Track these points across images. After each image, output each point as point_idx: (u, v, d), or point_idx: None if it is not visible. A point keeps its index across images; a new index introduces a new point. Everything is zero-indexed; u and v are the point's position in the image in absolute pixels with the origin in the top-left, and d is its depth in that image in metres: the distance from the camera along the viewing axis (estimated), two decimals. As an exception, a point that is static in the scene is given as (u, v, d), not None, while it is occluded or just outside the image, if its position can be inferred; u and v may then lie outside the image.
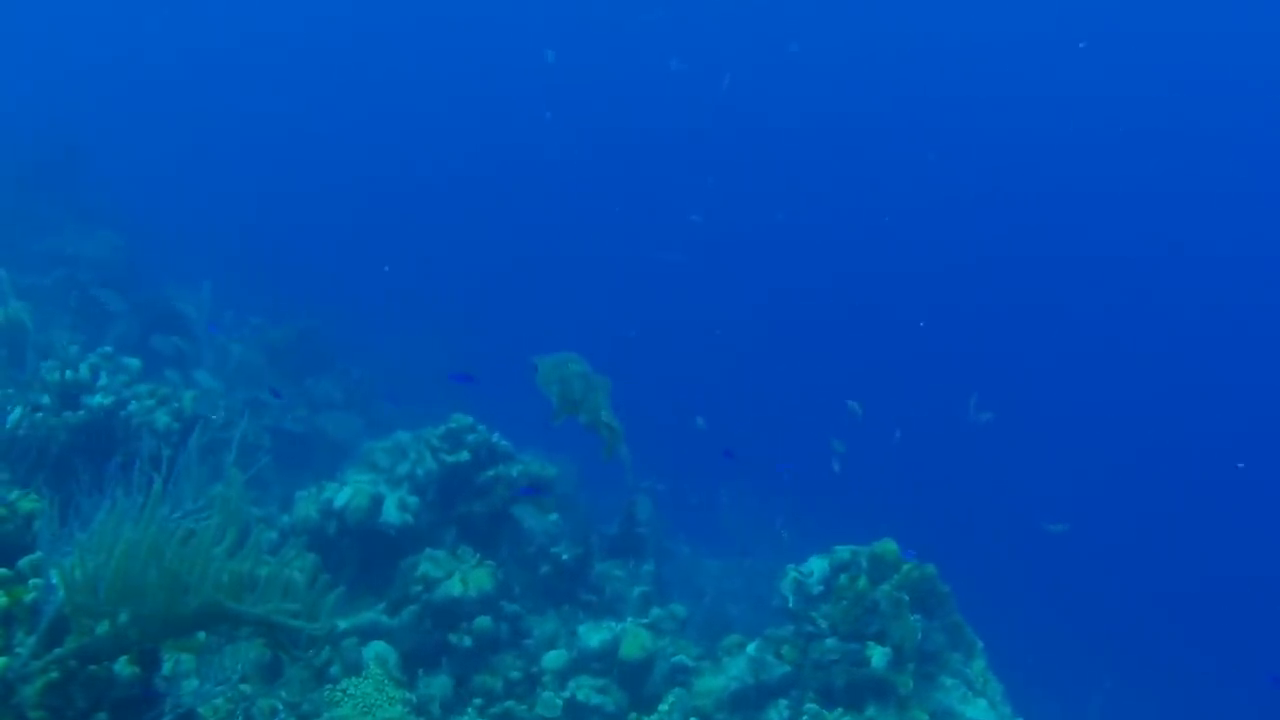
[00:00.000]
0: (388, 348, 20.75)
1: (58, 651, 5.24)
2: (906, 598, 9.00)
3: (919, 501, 19.24)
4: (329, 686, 8.21)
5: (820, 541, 16.64)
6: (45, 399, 9.85)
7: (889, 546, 9.41)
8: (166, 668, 6.74)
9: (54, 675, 5.21)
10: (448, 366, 19.48)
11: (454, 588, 9.24)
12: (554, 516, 10.88)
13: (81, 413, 9.80)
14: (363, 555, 9.91)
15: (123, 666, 5.56)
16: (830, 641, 9.09)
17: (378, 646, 8.85)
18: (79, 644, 5.26)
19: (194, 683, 6.69)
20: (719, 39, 40.13)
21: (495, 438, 10.98)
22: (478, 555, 9.73)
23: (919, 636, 8.91)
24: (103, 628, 5.27)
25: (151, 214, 20.75)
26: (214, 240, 22.86)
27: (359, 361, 18.38)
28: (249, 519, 5.75)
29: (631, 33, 40.78)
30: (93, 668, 5.36)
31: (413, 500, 10.21)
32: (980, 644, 9.50)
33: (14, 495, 6.99)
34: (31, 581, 5.55)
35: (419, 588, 9.32)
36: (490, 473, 10.71)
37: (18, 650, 5.25)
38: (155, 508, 5.43)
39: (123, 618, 5.26)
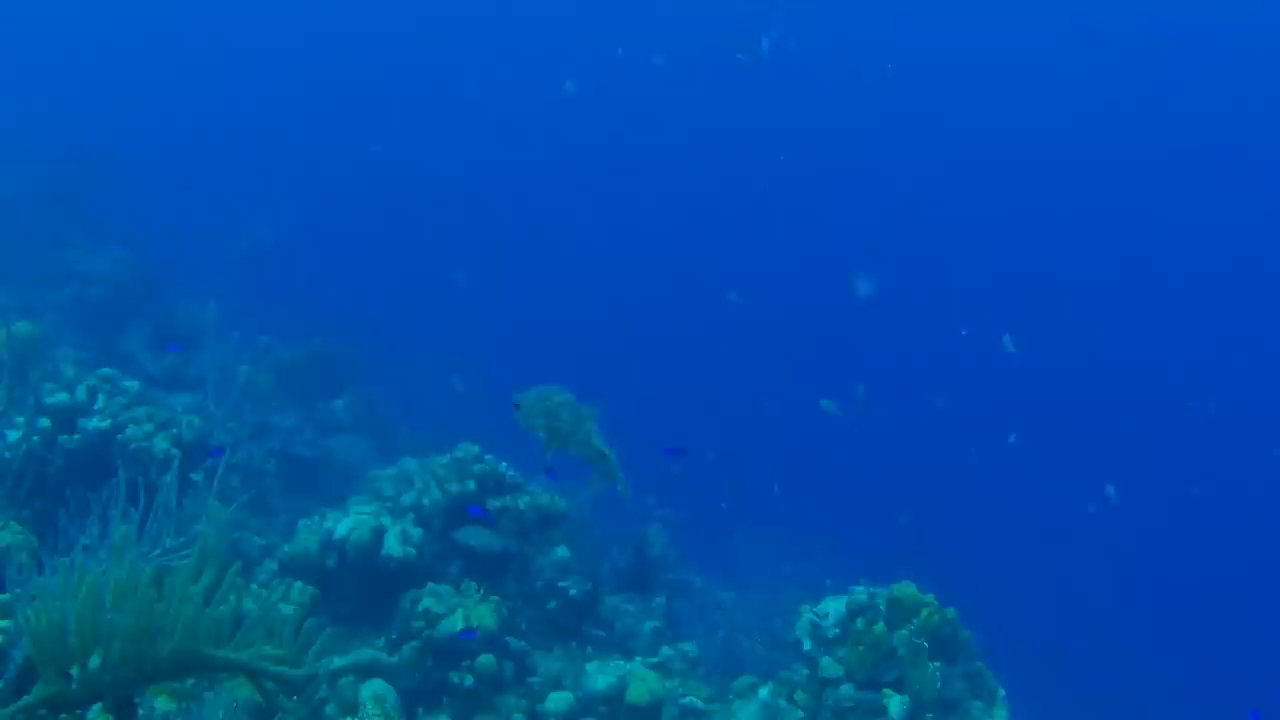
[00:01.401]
0: (402, 368, 20.46)
1: (24, 700, 4.94)
2: (926, 644, 8.67)
3: (934, 532, 18.86)
4: (323, 727, 7.93)
5: (832, 569, 16.44)
6: (44, 422, 9.60)
7: (907, 589, 9.08)
8: (150, 712, 6.48)
9: (21, 724, 4.92)
10: (462, 386, 19.31)
11: (456, 623, 8.93)
12: (563, 550, 10.57)
13: (78, 436, 9.55)
14: (364, 588, 9.61)
15: (95, 716, 5.26)
16: (846, 688, 8.77)
17: (376, 685, 8.52)
18: (47, 692, 4.96)
19: (178, 726, 6.43)
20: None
21: (503, 467, 10.69)
22: (482, 590, 9.41)
23: (938, 685, 8.58)
24: (73, 674, 4.97)
25: (163, 231, 20.54)
26: (225, 258, 22.67)
27: (371, 382, 18.11)
28: (228, 556, 5.45)
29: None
30: (64, 717, 5.07)
31: (415, 533, 9.91)
32: (1002, 691, 9.16)
33: (-4, 526, 6.74)
34: (2, 623, 5.27)
35: (420, 623, 9.02)
36: (497, 504, 10.41)
37: (-16, 698, 4.96)
38: (125, 546, 5.14)
39: (94, 664, 4.96)
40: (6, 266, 16.98)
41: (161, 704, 6.58)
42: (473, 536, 10.02)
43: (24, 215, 18.86)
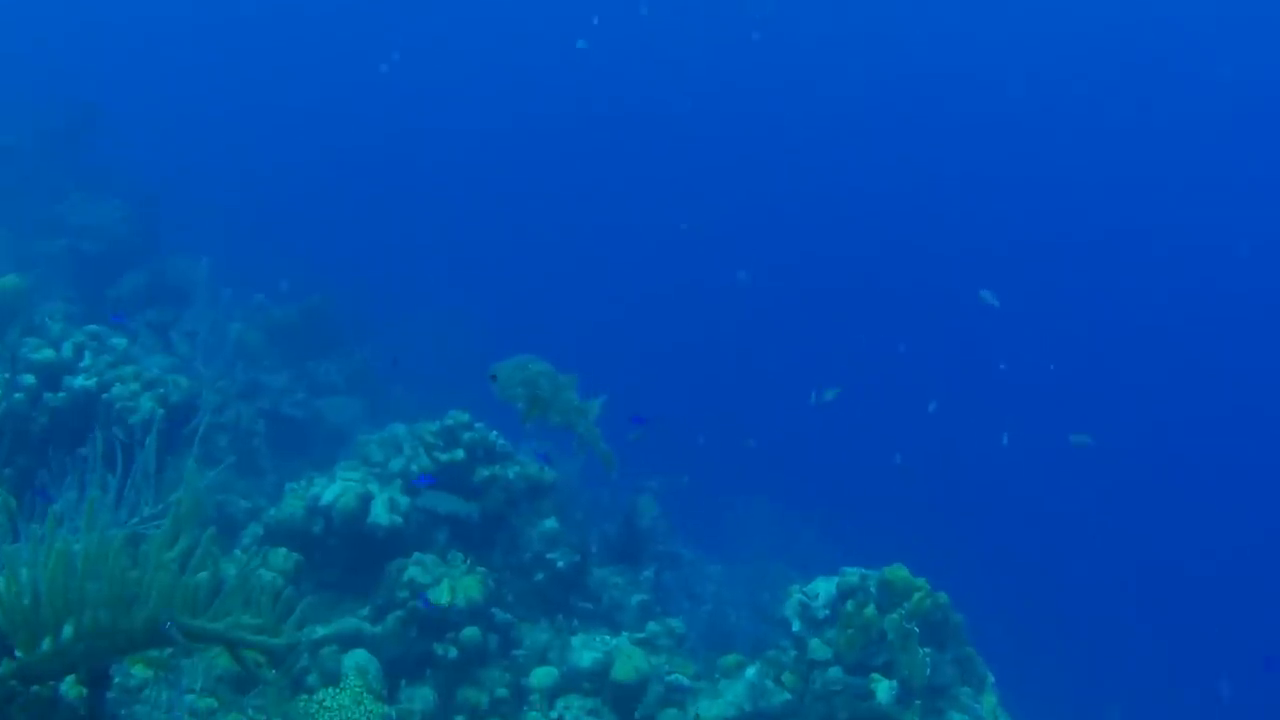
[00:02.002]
0: (398, 329, 20.31)
1: (-3, 669, 4.83)
2: (916, 629, 8.57)
3: (927, 513, 18.78)
4: (304, 697, 7.81)
5: (823, 541, 16.36)
6: (29, 379, 9.45)
7: (899, 572, 8.96)
8: (127, 679, 6.37)
9: (-9, 697, 4.81)
10: (459, 349, 19.18)
11: (442, 595, 8.82)
12: (551, 521, 10.45)
13: (62, 395, 9.41)
14: (349, 556, 9.49)
15: (69, 687, 5.15)
16: (834, 671, 8.66)
17: (359, 655, 8.42)
18: (19, 663, 4.85)
19: (152, 698, 6.33)
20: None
21: (493, 436, 10.56)
22: (469, 560, 9.30)
23: (928, 671, 8.48)
24: (45, 645, 4.84)
25: (159, 183, 20.32)
26: (222, 213, 22.48)
27: (365, 343, 17.96)
28: (204, 522, 5.33)
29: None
30: (36, 689, 4.96)
31: (403, 500, 9.78)
32: (992, 677, 9.07)
33: (-28, 487, 6.59)
34: (-27, 592, 5.15)
35: (405, 593, 8.90)
36: (486, 473, 10.30)
37: (-46, 668, 4.84)
38: (96, 512, 5.01)
39: (66, 634, 4.85)
40: (2, 215, 16.82)
41: (139, 671, 6.49)
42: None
43: (20, 164, 18.69)
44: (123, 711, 6.08)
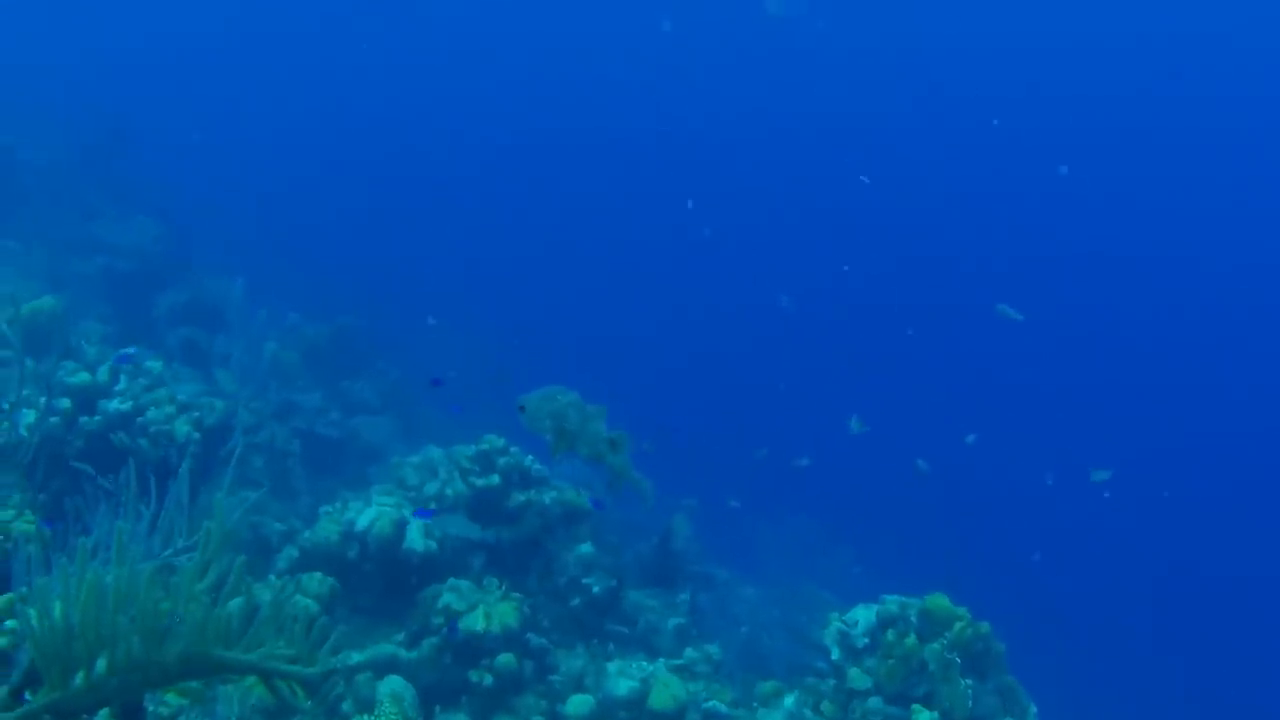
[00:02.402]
0: (431, 348, 20.30)
1: (28, 706, 4.76)
2: (958, 660, 8.43)
3: (958, 535, 18.60)
4: (338, 724, 7.75)
5: (858, 562, 16.22)
6: (64, 402, 9.43)
7: (940, 601, 8.83)
8: (159, 708, 6.31)
9: (24, 731, 4.73)
10: (491, 368, 19.14)
11: (477, 622, 8.73)
12: (587, 546, 10.37)
13: (98, 419, 9.37)
14: (384, 581, 9.42)
15: (102, 722, 5.08)
16: (874, 701, 8.54)
17: (394, 682, 8.34)
18: (52, 697, 4.78)
19: (189, 726, 6.27)
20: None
21: (529, 461, 10.49)
22: (504, 587, 9.21)
23: (970, 704, 8.34)
24: (78, 679, 4.78)
25: (191, 203, 20.40)
26: (254, 233, 22.52)
27: (398, 362, 17.95)
28: (233, 552, 5.26)
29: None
30: (68, 724, 4.89)
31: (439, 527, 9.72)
32: (1034, 708, 8.91)
33: (8, 514, 6.54)
34: (6, 624, 5.09)
35: (440, 619, 8.82)
36: (522, 498, 10.23)
37: (-13, 701, 4.78)
38: (126, 543, 4.94)
39: (99, 668, 4.78)
40: (36, 234, 16.88)
41: (173, 699, 6.42)
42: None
43: (54, 182, 18.75)
44: (158, 742, 6.01)
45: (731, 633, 13.10)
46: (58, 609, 4.72)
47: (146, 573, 4.83)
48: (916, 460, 15.85)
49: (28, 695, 4.78)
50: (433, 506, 10.16)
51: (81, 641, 4.71)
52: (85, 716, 4.95)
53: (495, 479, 10.15)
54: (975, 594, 9.47)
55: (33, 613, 4.67)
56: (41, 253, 16.26)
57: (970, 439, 14.09)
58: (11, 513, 6.63)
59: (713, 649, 9.93)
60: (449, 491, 10.22)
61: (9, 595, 5.26)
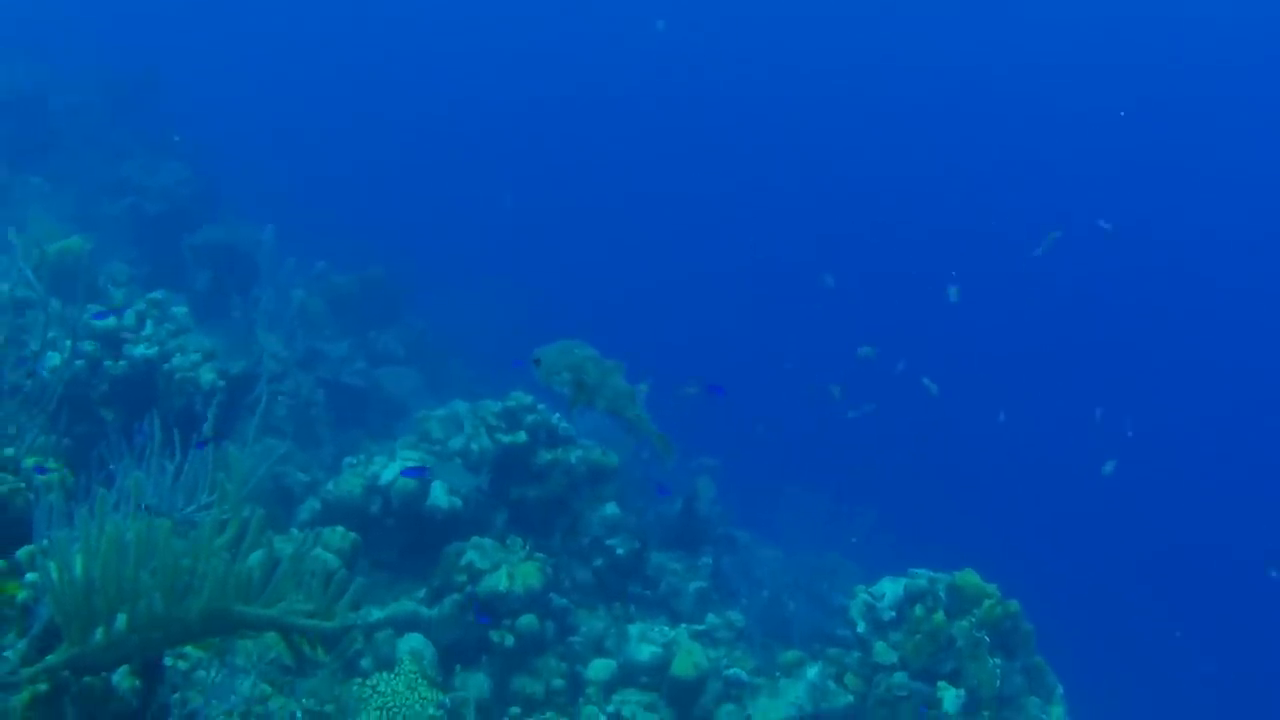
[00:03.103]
0: (459, 300, 20.18)
1: (49, 660, 4.68)
2: (987, 638, 8.32)
3: (983, 510, 18.43)
4: (358, 681, 7.68)
5: (881, 531, 16.08)
6: (89, 345, 9.35)
7: (970, 578, 8.71)
8: (177, 660, 6.25)
9: (43, 687, 4.66)
10: (519, 321, 19.03)
11: (500, 581, 8.64)
12: (612, 506, 10.27)
13: (123, 364, 9.30)
14: (407, 536, 9.35)
15: (122, 678, 5.01)
16: (899, 676, 8.43)
17: (414, 640, 8.28)
18: (71, 653, 4.70)
19: (205, 682, 6.20)
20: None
21: (555, 419, 10.38)
22: (527, 546, 9.11)
23: (998, 684, 8.22)
24: (98, 635, 4.70)
25: (223, 150, 20.28)
26: (284, 182, 22.41)
27: (425, 313, 17.85)
28: (258, 505, 5.17)
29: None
30: (88, 679, 4.81)
31: (463, 482, 9.62)
32: (1060, 688, 8.80)
33: (30, 461, 6.45)
34: (28, 577, 5.01)
35: (463, 578, 8.73)
36: (548, 457, 10.11)
37: (5, 655, 4.70)
38: (142, 496, 4.86)
39: (119, 624, 4.70)
40: (66, 174, 16.81)
41: (192, 651, 6.36)
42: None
43: (85, 124, 18.66)
44: (175, 697, 5.93)
45: (753, 596, 13.02)
46: (78, 563, 4.64)
47: (167, 528, 4.75)
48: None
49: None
50: (457, 461, 10.07)
51: (102, 596, 4.63)
52: (105, 672, 4.89)
53: (522, 436, 10.04)
54: (1000, 568, 9.36)
55: (53, 566, 4.59)
56: (71, 193, 16.19)
57: (1001, 417, 13.89)
58: (34, 460, 6.55)
59: (735, 615, 9.84)
60: (474, 447, 10.12)
61: (29, 547, 5.18)
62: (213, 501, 5.75)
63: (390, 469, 9.45)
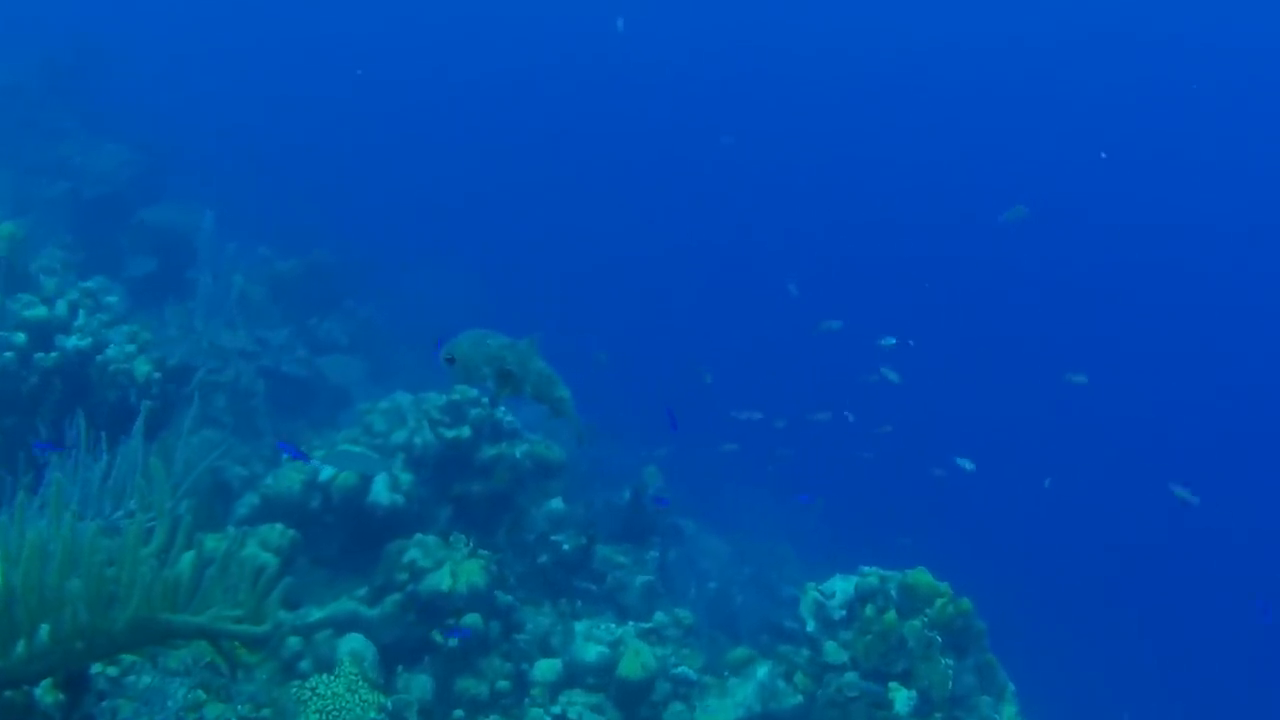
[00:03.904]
0: (404, 286, 19.89)
1: (-38, 675, 4.47)
2: (939, 638, 8.21)
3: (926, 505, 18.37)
4: (296, 684, 7.48)
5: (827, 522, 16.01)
6: (20, 337, 9.05)
7: (922, 577, 8.61)
8: (109, 669, 6.03)
9: (-41, 703, 4.45)
10: (469, 308, 18.79)
11: (443, 580, 8.45)
12: (558, 502, 10.11)
13: (54, 355, 9.00)
14: (348, 533, 9.13)
15: (45, 692, 4.80)
16: (850, 676, 8.32)
17: (354, 641, 8.07)
18: (-10, 667, 4.49)
19: (134, 688, 5.99)
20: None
21: (500, 413, 10.18)
22: (471, 543, 8.92)
23: (950, 685, 8.12)
24: (19, 648, 4.48)
25: (162, 129, 19.85)
26: (227, 166, 21.97)
27: (371, 300, 17.57)
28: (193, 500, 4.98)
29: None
30: (8, 694, 4.60)
31: (405, 478, 9.41)
32: (1012, 686, 8.73)
33: (-48, 461, 6.22)
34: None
35: (404, 576, 8.53)
36: (492, 451, 9.92)
37: (-81, 670, 4.48)
38: (68, 501, 4.65)
39: (42, 636, 4.49)
40: (2, 156, 16.42)
41: (124, 656, 6.13)
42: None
43: (21, 104, 18.23)
44: (104, 705, 5.72)
45: (700, 588, 12.93)
46: (-2, 571, 4.43)
47: (92, 534, 4.54)
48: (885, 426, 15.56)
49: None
50: (400, 456, 9.87)
51: (23, 607, 4.42)
52: (26, 686, 4.68)
53: (466, 431, 9.85)
54: (947, 565, 9.27)
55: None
56: (5, 176, 15.81)
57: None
58: (-44, 459, 6.31)
59: (683, 612, 9.68)
60: (417, 440, 9.91)
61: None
62: (142, 505, 5.52)
63: (327, 469, 9.23)
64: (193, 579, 4.78)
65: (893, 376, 14.30)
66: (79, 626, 4.53)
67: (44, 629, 4.49)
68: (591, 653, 8.66)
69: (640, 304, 25.73)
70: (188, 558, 4.94)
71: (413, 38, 39.87)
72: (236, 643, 5.07)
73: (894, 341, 13.96)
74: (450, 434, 9.77)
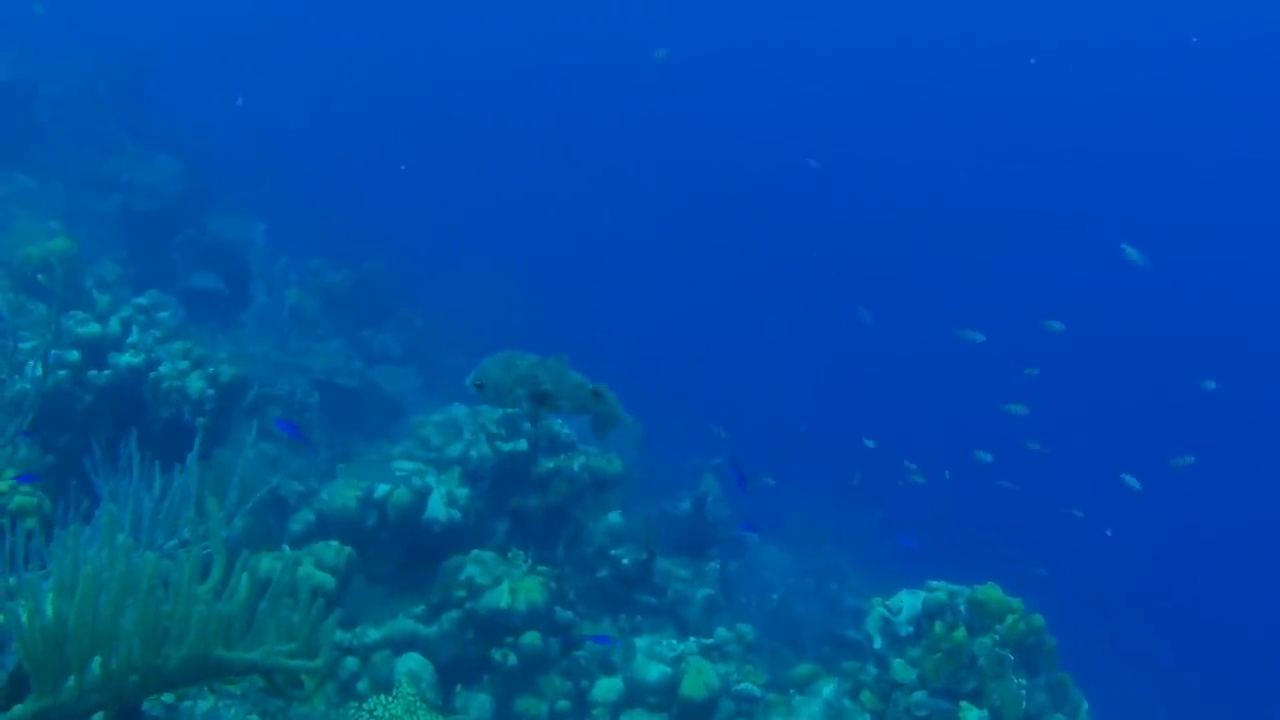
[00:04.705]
0: (456, 295, 19.78)
1: (16, 711, 4.33)
2: (1011, 656, 7.97)
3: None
4: (354, 705, 7.35)
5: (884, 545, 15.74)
6: (74, 355, 8.98)
7: (992, 592, 8.37)
8: (164, 695, 5.92)
9: (10, 739, 4.32)
10: (521, 316, 18.69)
11: (501, 598, 8.30)
12: (616, 515, 9.95)
13: (108, 373, 8.93)
14: (404, 549, 9.02)
15: (97, 727, 4.67)
16: (919, 695, 8.08)
17: (412, 660, 7.95)
18: (41, 705, 4.35)
19: (194, 712, 5.89)
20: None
21: (557, 425, 10.03)
22: (530, 559, 8.77)
23: (1024, 704, 7.88)
24: (69, 683, 4.35)
25: (210, 141, 19.82)
26: (279, 179, 21.96)
27: (423, 310, 17.47)
28: (235, 549, 4.83)
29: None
30: (59, 730, 4.47)
31: (461, 493, 9.29)
32: (1086, 704, 8.47)
33: (3, 485, 6.10)
34: (-4, 618, 4.66)
35: (462, 593, 8.39)
36: (550, 464, 9.77)
37: (-32, 705, 4.36)
38: (119, 532, 4.51)
39: (94, 672, 4.36)
40: (54, 170, 16.45)
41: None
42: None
43: (74, 118, 18.27)
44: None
45: (762, 600, 12.76)
46: (49, 605, 4.30)
47: (150, 568, 4.41)
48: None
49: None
50: (456, 469, 9.75)
51: (75, 644, 4.28)
52: (77, 721, 4.55)
53: (523, 444, 9.71)
54: (1010, 575, 9.04)
55: (23, 610, 4.25)
56: (59, 189, 15.83)
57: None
58: (9, 482, 6.20)
59: (745, 628, 9.49)
60: (473, 454, 9.80)
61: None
62: (196, 536, 5.39)
63: (385, 482, 9.13)
64: (246, 612, 4.64)
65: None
66: (132, 664, 4.40)
67: (96, 663, 4.37)
68: (654, 672, 8.48)
69: (694, 312, 25.55)
70: (244, 589, 4.80)
71: (459, 44, 39.89)
72: (290, 679, 4.95)
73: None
74: (507, 447, 9.63)
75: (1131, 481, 13.17)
